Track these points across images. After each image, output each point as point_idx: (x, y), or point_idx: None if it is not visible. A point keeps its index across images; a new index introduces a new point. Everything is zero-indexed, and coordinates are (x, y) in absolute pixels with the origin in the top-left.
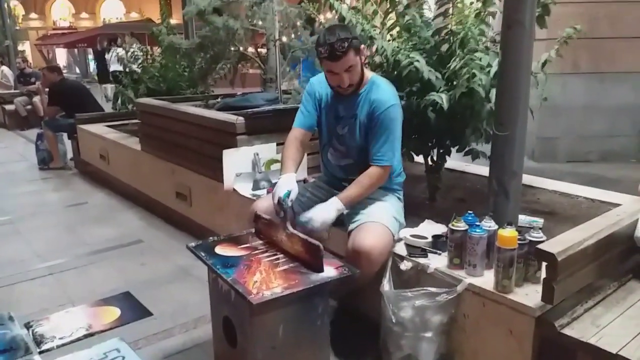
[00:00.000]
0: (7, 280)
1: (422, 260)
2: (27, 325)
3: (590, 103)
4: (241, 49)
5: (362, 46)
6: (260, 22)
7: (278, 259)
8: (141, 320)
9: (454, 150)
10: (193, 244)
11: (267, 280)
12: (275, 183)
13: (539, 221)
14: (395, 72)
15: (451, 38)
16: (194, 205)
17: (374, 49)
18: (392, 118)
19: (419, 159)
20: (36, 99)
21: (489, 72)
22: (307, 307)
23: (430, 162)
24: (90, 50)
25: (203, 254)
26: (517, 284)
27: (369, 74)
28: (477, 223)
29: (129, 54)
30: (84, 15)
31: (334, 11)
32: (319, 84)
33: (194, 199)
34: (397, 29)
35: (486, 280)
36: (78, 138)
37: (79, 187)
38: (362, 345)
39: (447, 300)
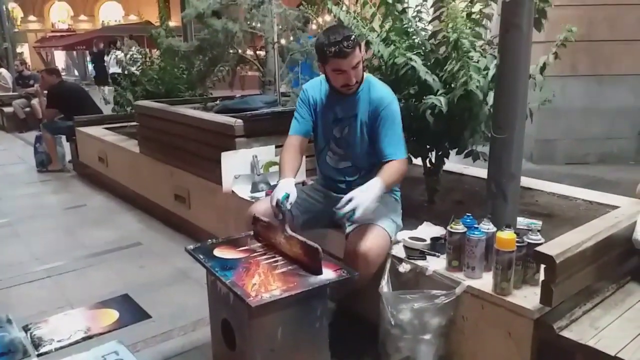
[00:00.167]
0: (5, 282)
1: (420, 263)
2: (26, 328)
3: (589, 105)
4: (240, 51)
5: (362, 43)
6: (259, 25)
7: (277, 261)
8: (140, 322)
9: (452, 152)
10: (192, 247)
11: (265, 283)
12: (274, 185)
13: (538, 223)
14: (393, 76)
15: (447, 41)
16: (192, 208)
17: (370, 52)
18: (395, 112)
19: (418, 161)
20: (35, 101)
21: (486, 74)
22: (305, 309)
23: (428, 165)
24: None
25: (202, 257)
26: (516, 286)
27: (364, 74)
28: (476, 225)
29: (128, 56)
30: (82, 17)
31: (332, 15)
32: (313, 89)
33: (193, 201)
34: (394, 32)
35: (485, 282)
36: (77, 140)
37: (78, 190)
38: (361, 347)
39: (446, 303)
